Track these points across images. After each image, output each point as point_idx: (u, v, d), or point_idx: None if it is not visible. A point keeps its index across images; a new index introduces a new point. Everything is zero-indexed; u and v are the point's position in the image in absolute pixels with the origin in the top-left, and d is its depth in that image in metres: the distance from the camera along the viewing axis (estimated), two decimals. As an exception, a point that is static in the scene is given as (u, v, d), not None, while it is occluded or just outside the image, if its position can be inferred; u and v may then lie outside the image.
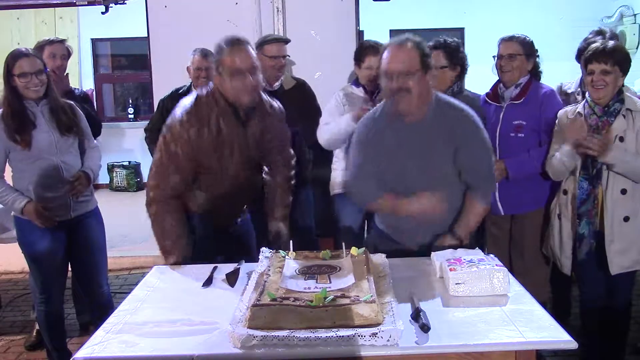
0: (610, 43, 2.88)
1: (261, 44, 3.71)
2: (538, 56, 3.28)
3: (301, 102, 3.56)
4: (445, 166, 2.49)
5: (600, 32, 3.58)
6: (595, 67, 2.82)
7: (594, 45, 2.90)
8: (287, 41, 3.84)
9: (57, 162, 3.07)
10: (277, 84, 3.75)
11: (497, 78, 3.32)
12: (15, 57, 3.00)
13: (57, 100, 3.14)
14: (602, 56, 2.81)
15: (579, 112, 2.93)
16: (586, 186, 2.88)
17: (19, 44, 8.45)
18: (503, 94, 3.27)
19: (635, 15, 8.18)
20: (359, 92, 3.57)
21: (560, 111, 3.07)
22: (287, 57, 3.81)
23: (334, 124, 3.47)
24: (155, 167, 2.65)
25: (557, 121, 3.05)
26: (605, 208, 2.84)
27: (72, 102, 3.26)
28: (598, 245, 2.88)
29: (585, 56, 2.89)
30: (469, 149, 2.46)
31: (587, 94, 2.94)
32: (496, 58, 3.26)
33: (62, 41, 3.78)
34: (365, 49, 3.57)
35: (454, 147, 2.46)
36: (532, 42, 3.25)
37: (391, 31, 8.61)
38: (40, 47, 3.68)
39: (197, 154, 2.59)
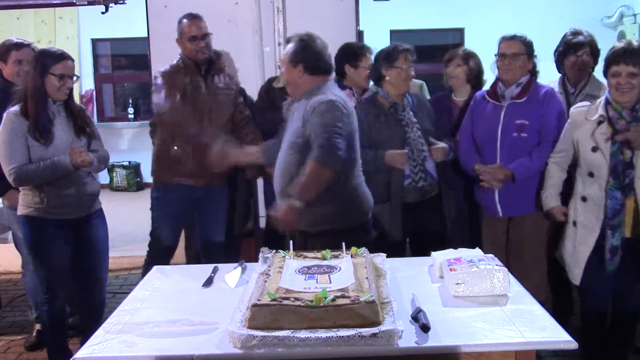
0: (635, 43, 2.77)
1: (287, 42, 3.79)
2: (536, 56, 3.27)
3: None
4: (297, 139, 2.86)
5: (578, 32, 3.56)
6: (622, 69, 2.71)
7: (618, 45, 2.79)
8: None
9: (69, 161, 3.07)
10: None
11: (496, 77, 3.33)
12: (56, 57, 3.04)
13: (74, 102, 3.21)
14: (630, 57, 2.69)
15: (601, 114, 2.81)
16: (619, 196, 2.75)
17: (19, 44, 8.43)
18: (503, 93, 3.24)
19: (635, 15, 8.18)
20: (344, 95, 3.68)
21: (572, 109, 2.98)
22: None
23: None
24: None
25: (569, 120, 2.97)
26: None
27: (82, 106, 3.39)
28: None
29: (608, 57, 2.79)
30: (311, 122, 2.78)
31: (607, 95, 2.83)
32: (497, 56, 3.25)
33: (29, 45, 3.65)
34: (364, 50, 3.77)
35: (303, 123, 2.83)
36: (532, 41, 3.25)
37: (391, 31, 8.62)
38: (7, 51, 3.59)
39: (172, 91, 3.54)
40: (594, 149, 2.82)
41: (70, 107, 3.15)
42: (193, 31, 3.54)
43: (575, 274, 2.93)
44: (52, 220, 3.10)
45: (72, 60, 3.11)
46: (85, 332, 3.29)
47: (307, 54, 2.87)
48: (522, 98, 3.19)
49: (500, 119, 3.21)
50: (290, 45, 2.92)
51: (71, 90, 3.13)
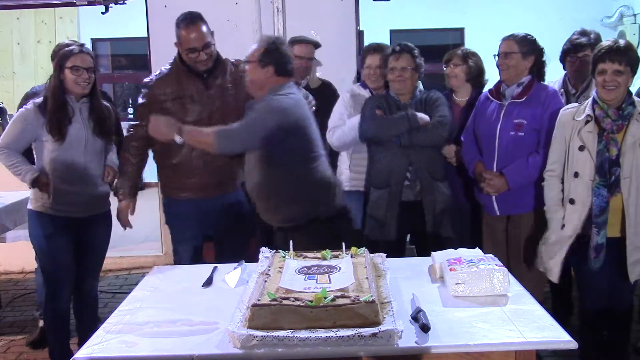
0: (622, 42, 2.78)
1: (291, 43, 3.83)
2: (543, 55, 3.25)
3: (325, 102, 3.69)
4: None
5: (584, 33, 3.54)
6: (608, 67, 2.72)
7: (604, 43, 2.80)
8: (316, 44, 3.94)
9: (83, 160, 3.12)
10: (303, 82, 3.87)
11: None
12: (69, 51, 3.06)
13: (99, 101, 3.21)
14: (616, 55, 2.70)
15: (588, 114, 2.82)
16: (605, 194, 2.75)
17: (19, 44, 8.45)
18: (504, 92, 3.24)
19: (635, 15, 8.19)
20: (365, 92, 3.68)
21: (561, 111, 2.98)
22: (314, 59, 3.92)
23: (340, 130, 3.56)
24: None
25: (557, 122, 2.97)
26: (627, 215, 2.75)
27: (110, 106, 3.34)
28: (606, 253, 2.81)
29: (595, 55, 2.80)
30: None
31: (594, 94, 2.85)
32: (496, 57, 3.25)
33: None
34: (365, 49, 3.72)
35: None
36: (532, 40, 3.21)
37: (391, 31, 8.64)
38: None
39: (162, 106, 3.15)
40: (581, 148, 2.83)
41: (94, 106, 3.16)
42: (192, 42, 3.12)
43: (554, 272, 2.95)
44: (59, 218, 3.12)
45: (89, 53, 3.12)
46: (80, 331, 3.32)
47: (278, 57, 2.92)
48: (522, 98, 3.18)
49: (500, 117, 3.21)
50: (259, 46, 2.93)
51: (94, 85, 3.15)
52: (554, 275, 2.95)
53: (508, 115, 3.19)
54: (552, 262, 2.95)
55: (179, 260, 3.37)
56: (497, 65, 3.24)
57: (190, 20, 3.16)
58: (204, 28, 3.17)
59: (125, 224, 3.31)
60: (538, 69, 3.24)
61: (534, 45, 3.21)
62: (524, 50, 3.17)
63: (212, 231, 3.39)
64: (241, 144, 2.85)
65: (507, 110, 3.20)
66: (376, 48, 3.67)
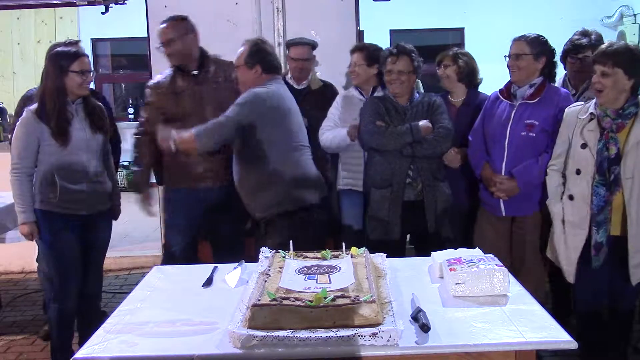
0: (616, 44, 2.80)
1: (287, 46, 3.95)
2: (554, 56, 3.24)
3: (326, 103, 3.75)
4: None
5: (585, 33, 3.54)
6: (596, 69, 2.77)
7: (601, 47, 2.83)
8: (312, 44, 3.97)
9: (85, 159, 3.15)
10: (304, 83, 3.92)
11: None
12: (73, 55, 3.09)
13: (91, 100, 3.26)
14: (602, 57, 2.75)
15: (591, 112, 2.85)
16: (604, 192, 2.78)
17: (19, 44, 8.45)
18: (515, 93, 3.23)
19: (635, 15, 8.19)
20: (356, 94, 3.69)
21: (567, 109, 2.99)
22: (312, 59, 3.95)
23: (331, 135, 3.60)
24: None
25: (563, 120, 2.98)
26: (629, 216, 2.77)
27: (100, 104, 3.39)
28: (609, 252, 2.83)
29: (592, 57, 2.84)
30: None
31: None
32: (507, 57, 3.23)
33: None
34: (352, 50, 3.76)
35: None
36: (544, 41, 3.19)
37: (391, 31, 8.64)
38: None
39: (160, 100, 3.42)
40: (583, 146, 2.86)
41: (88, 105, 3.20)
42: (159, 38, 3.39)
43: (569, 272, 2.95)
44: (64, 215, 3.14)
45: (87, 55, 3.18)
46: (81, 331, 3.32)
47: (263, 55, 3.14)
48: (534, 99, 3.16)
49: (510, 117, 3.19)
50: (244, 49, 3.14)
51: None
52: (570, 276, 2.95)
53: (519, 115, 3.18)
54: (568, 263, 2.95)
55: (171, 252, 3.49)
56: (508, 67, 3.22)
57: (163, 21, 3.41)
58: (173, 26, 3.38)
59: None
60: (549, 70, 3.23)
61: (545, 46, 3.20)
62: (536, 51, 3.15)
63: (208, 223, 3.53)
64: (218, 138, 3.04)
65: (518, 111, 3.19)
66: (359, 47, 3.75)
